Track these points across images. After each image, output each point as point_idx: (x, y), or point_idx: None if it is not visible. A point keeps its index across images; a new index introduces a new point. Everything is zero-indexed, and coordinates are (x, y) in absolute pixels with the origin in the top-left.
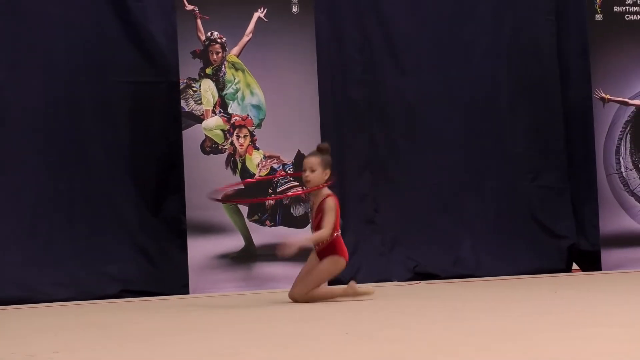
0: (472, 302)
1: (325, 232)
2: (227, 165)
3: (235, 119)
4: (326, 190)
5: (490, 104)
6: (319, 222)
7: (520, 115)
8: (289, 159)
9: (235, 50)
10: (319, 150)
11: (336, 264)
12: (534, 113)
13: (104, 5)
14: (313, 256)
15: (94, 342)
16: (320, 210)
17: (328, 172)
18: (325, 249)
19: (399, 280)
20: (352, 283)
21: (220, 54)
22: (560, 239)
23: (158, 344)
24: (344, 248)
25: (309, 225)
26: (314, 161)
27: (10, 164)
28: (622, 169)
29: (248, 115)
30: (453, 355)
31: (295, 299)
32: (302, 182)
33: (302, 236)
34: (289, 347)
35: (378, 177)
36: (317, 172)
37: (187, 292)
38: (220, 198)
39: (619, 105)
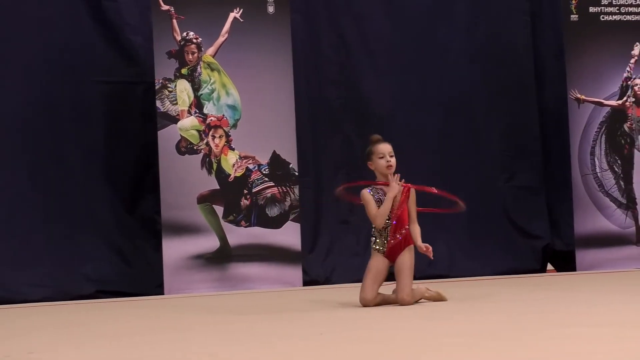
0: (447, 302)
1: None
2: (202, 166)
3: (211, 120)
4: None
5: (465, 104)
6: (403, 211)
7: (496, 116)
8: (264, 159)
9: (211, 50)
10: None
11: (411, 252)
12: (510, 114)
13: (79, 6)
14: (380, 259)
15: (69, 343)
16: (405, 200)
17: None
18: (401, 242)
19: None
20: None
21: (195, 54)
22: (535, 239)
23: (133, 344)
24: None
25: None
26: (390, 148)
27: None
28: (597, 170)
29: (223, 115)
30: (429, 355)
31: (405, 302)
32: (278, 183)
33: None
34: (265, 347)
35: (353, 177)
36: (394, 157)
37: (162, 293)
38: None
39: (594, 105)
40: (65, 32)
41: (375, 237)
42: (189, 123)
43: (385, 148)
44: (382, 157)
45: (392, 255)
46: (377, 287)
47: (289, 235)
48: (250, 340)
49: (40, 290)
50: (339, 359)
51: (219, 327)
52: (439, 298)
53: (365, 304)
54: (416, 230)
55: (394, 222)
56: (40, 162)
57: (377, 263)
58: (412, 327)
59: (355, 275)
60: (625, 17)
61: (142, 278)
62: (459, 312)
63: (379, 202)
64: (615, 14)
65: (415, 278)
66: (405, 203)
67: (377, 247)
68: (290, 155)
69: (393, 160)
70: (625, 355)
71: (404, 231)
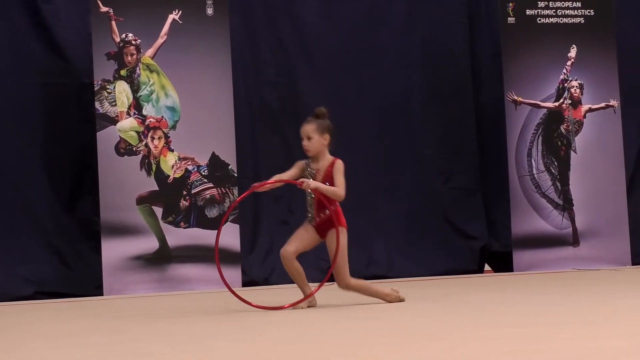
0: (383, 302)
1: (341, 191)
2: (141, 167)
3: (150, 121)
4: (329, 156)
5: (403, 106)
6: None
7: (433, 118)
8: (203, 160)
9: (150, 52)
10: (315, 116)
11: (344, 234)
12: (447, 115)
13: (15, 7)
14: (310, 229)
15: (7, 344)
16: (328, 176)
17: (327, 136)
18: (330, 219)
19: (312, 282)
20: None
21: (134, 56)
22: (473, 240)
23: (71, 345)
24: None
25: (311, 197)
26: (309, 128)
27: None
28: (534, 171)
29: (163, 117)
30: (364, 355)
31: (342, 288)
32: (217, 184)
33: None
34: (204, 348)
35: None
36: (315, 138)
37: (102, 294)
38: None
39: (531, 107)
40: (3, 34)
41: (307, 210)
42: (128, 124)
43: (302, 131)
44: (302, 139)
45: (321, 231)
46: (299, 246)
47: (229, 236)
48: (189, 342)
49: None
50: (276, 359)
51: (158, 329)
52: (396, 299)
53: (283, 255)
54: (332, 188)
55: (315, 199)
56: None
57: (307, 229)
58: (346, 327)
59: None
60: (561, 20)
61: (81, 279)
62: (394, 312)
63: (310, 177)
64: (551, 16)
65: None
66: (328, 178)
67: (309, 217)
68: (229, 157)
69: (308, 144)
70: (554, 355)
71: (327, 212)
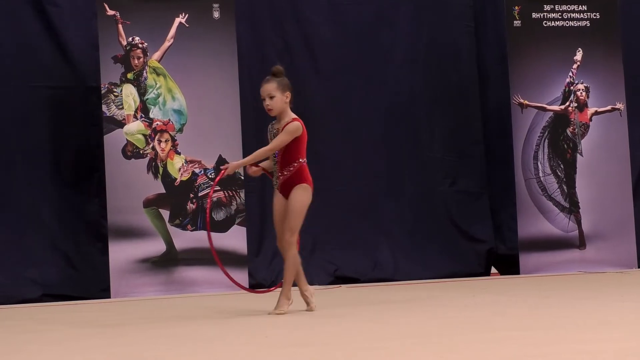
0: (391, 305)
1: (263, 150)
2: (148, 170)
3: (157, 124)
4: (291, 115)
5: (409, 109)
6: (287, 148)
7: (439, 121)
8: (210, 163)
9: (157, 55)
10: (273, 75)
11: (306, 191)
12: (453, 118)
13: (22, 11)
14: (278, 199)
15: (15, 346)
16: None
17: (288, 94)
18: (290, 179)
19: (319, 284)
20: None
21: (141, 59)
22: (479, 243)
23: (78, 348)
24: (310, 177)
25: (274, 155)
26: (269, 87)
27: None
28: (540, 174)
29: (169, 120)
30: (368, 357)
31: (283, 245)
32: (224, 187)
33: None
34: (210, 350)
35: None
36: (277, 97)
37: (109, 296)
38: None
39: (537, 110)
40: (10, 37)
41: (272, 172)
42: (135, 127)
43: (263, 91)
44: (263, 99)
45: (283, 192)
46: (291, 225)
47: (235, 239)
48: (196, 344)
49: None
50: None
51: (165, 331)
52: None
53: (281, 246)
54: (256, 152)
55: (278, 159)
56: None
57: (277, 204)
58: (351, 329)
59: None
60: (567, 23)
61: (88, 282)
62: (399, 315)
63: (272, 136)
64: (557, 20)
65: (360, 281)
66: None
67: (273, 182)
68: (236, 159)
69: (270, 103)
70: (560, 357)
71: (291, 168)
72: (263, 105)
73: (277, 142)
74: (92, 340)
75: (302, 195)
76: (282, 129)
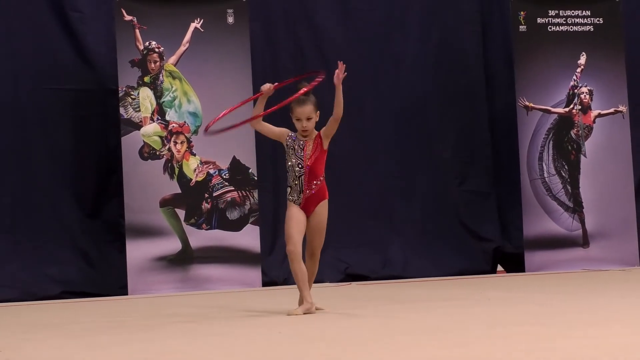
0: (402, 302)
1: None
2: (164, 171)
3: (173, 126)
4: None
5: (419, 111)
6: (319, 155)
7: (448, 123)
8: (224, 164)
9: (173, 59)
10: (306, 95)
11: (326, 207)
12: (462, 120)
13: (44, 15)
14: (298, 209)
15: (36, 342)
16: (318, 146)
17: (318, 112)
18: (315, 196)
19: (330, 282)
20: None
21: (158, 63)
22: (486, 242)
23: (98, 343)
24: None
25: (300, 168)
26: (309, 110)
27: None
28: (545, 174)
29: (185, 122)
30: (380, 352)
31: (314, 252)
32: (238, 187)
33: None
34: (224, 345)
35: None
36: (313, 118)
37: (126, 293)
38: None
39: (542, 113)
40: (32, 41)
41: (290, 187)
42: (151, 129)
43: (301, 113)
44: (299, 120)
45: (307, 208)
46: (302, 237)
47: (249, 237)
48: (211, 339)
49: (7, 291)
50: (296, 357)
51: (180, 327)
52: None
53: (295, 254)
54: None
55: (307, 172)
56: (6, 167)
57: (297, 213)
58: (363, 325)
59: None
60: (572, 28)
61: (106, 279)
62: (409, 311)
63: (292, 150)
64: (562, 25)
65: (370, 279)
66: (318, 151)
67: (292, 198)
68: (249, 161)
69: (309, 125)
70: (564, 353)
71: (318, 182)
72: (296, 125)
73: (334, 123)
74: (110, 335)
75: (326, 211)
76: (317, 140)
